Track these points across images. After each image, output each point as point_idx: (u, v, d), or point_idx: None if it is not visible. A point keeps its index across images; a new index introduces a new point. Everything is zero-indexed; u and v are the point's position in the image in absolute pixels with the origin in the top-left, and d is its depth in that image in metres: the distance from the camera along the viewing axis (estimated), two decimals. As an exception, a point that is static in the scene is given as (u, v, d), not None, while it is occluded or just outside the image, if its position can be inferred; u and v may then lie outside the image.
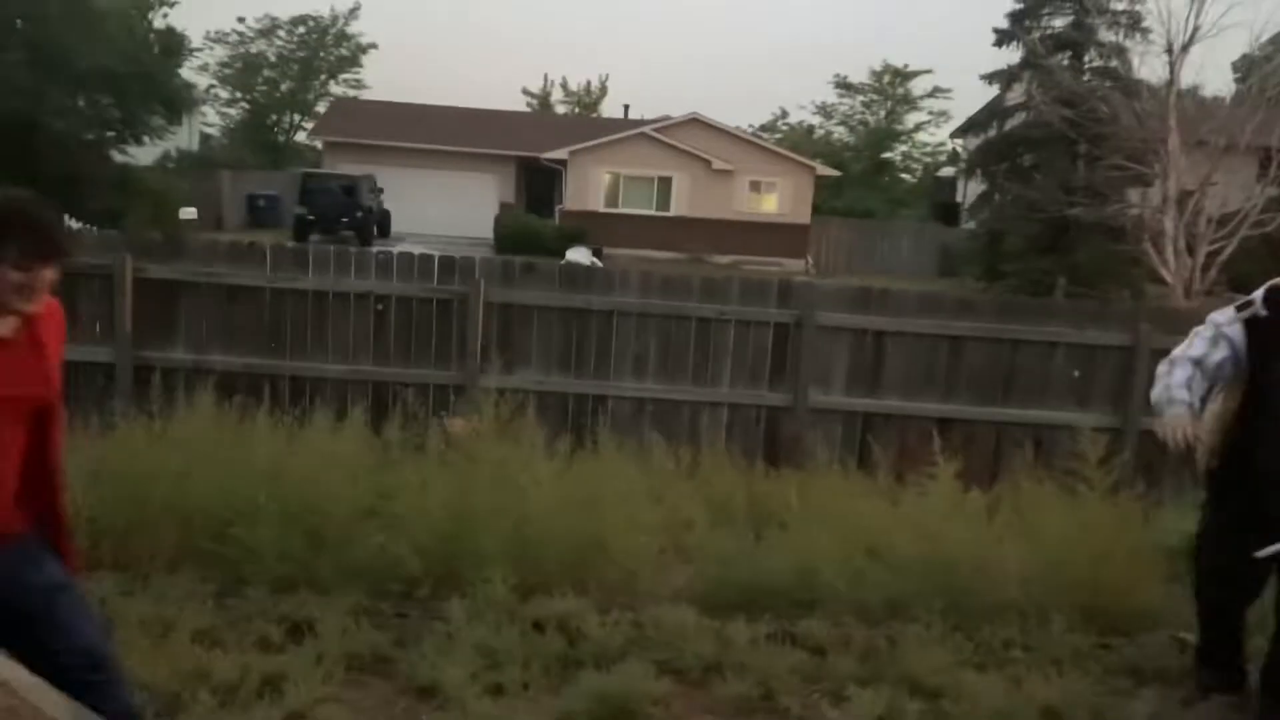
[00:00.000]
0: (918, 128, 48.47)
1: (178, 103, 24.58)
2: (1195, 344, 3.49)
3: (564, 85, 53.90)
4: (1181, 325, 7.11)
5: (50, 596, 2.43)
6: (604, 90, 53.62)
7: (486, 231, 30.47)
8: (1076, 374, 7.05)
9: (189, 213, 23.41)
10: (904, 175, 48.62)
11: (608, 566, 4.28)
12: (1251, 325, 3.37)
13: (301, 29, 48.04)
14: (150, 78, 22.33)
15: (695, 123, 31.37)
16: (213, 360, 6.76)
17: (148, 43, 23.01)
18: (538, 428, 5.18)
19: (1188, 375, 3.41)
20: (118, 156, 23.18)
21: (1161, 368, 3.53)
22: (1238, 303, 3.48)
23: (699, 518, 5.02)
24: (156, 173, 26.06)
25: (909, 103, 47.90)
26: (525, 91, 53.88)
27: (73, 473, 4.20)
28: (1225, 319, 3.45)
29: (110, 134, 22.70)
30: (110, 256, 6.69)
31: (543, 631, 3.80)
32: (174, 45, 24.38)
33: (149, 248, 6.95)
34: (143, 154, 25.06)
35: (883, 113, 48.44)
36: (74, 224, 15.47)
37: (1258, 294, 3.41)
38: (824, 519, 4.82)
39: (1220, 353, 3.42)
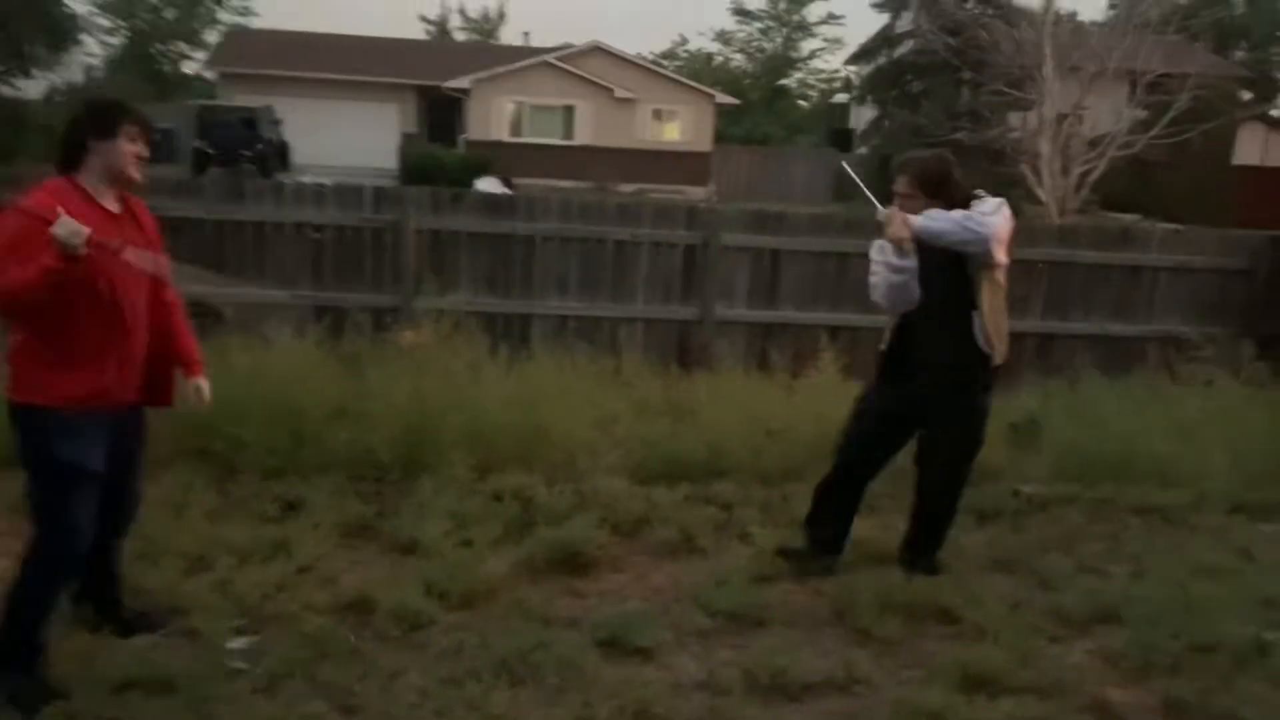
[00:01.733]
0: (813, 55, 49.38)
1: (64, 33, 23.78)
2: (872, 260, 4.03)
3: (462, 12, 53.26)
4: (1038, 238, 8.20)
5: (133, 464, 3.30)
6: (502, 17, 53.07)
7: (390, 162, 30.37)
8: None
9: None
10: (800, 102, 49.56)
11: (551, 450, 5.03)
12: None
13: (185, -48, 46.11)
14: (35, 5, 21.58)
15: (597, 51, 31.58)
16: (160, 289, 7.19)
17: (29, -31, 22.14)
18: (477, 341, 5.88)
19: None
20: (6, 91, 22.44)
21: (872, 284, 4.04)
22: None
23: (623, 412, 5.80)
24: (44, 107, 25.22)
25: (805, 29, 48.65)
26: (423, 19, 53.20)
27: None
28: (875, 245, 4.00)
29: (-3, 67, 21.96)
30: (55, 192, 7.03)
31: (500, 500, 4.56)
32: (59, -28, 23.52)
33: (92, 184, 7.29)
34: (30, 87, 24.24)
35: (779, 40, 49.10)
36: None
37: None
38: (730, 409, 5.65)
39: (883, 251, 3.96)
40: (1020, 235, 8.00)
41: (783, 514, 4.61)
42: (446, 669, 3.25)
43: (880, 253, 3.90)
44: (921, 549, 4.12)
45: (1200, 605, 3.80)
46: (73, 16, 25.44)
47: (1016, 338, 7.87)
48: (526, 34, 43.55)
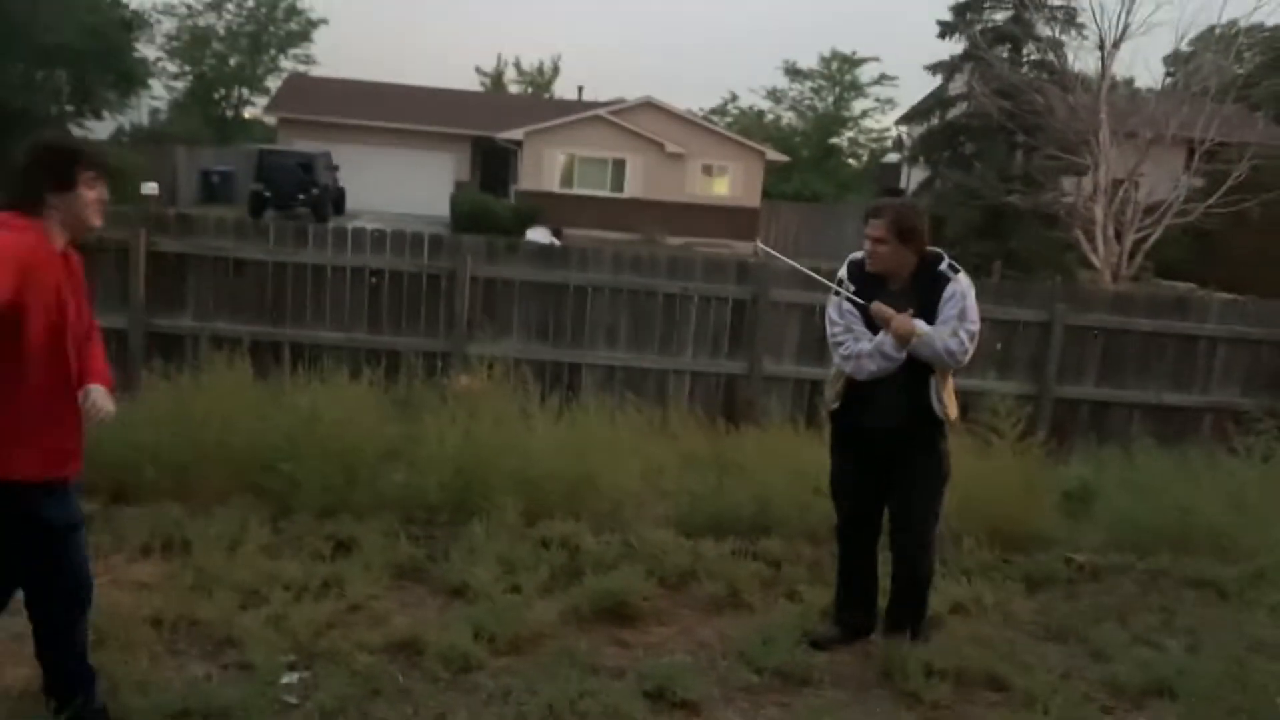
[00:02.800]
0: (864, 114, 49.73)
1: (134, 78, 24.67)
2: (833, 321, 3.96)
3: (517, 65, 54.25)
4: (1093, 304, 8.16)
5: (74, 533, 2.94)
6: (556, 71, 54.10)
7: (442, 210, 30.91)
8: (999, 346, 7.94)
9: (151, 188, 23.56)
10: (850, 160, 49.81)
11: (598, 499, 5.06)
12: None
13: (250, 2, 47.74)
14: (108, 53, 22.45)
15: (649, 106, 32.05)
16: (219, 328, 7.38)
17: (107, 18, 23.07)
18: (527, 387, 5.95)
19: (847, 337, 3.89)
20: (76, 131, 23.27)
21: (840, 354, 3.94)
22: (836, 279, 3.98)
23: (670, 464, 5.82)
24: (113, 147, 26.12)
25: (856, 89, 49.03)
26: (479, 71, 54.14)
27: (132, 419, 4.90)
28: (833, 301, 3.98)
29: (69, 108, 22.79)
30: (126, 231, 7.27)
31: (548, 547, 4.58)
32: (132, 21, 24.46)
33: (161, 223, 7.54)
34: (99, 128, 25.12)
35: (831, 99, 49.52)
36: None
37: (842, 270, 3.98)
38: (777, 465, 5.64)
39: (847, 317, 3.90)
40: (1077, 301, 8.11)
41: (831, 572, 4.57)
42: (494, 713, 3.27)
43: (858, 337, 3.86)
44: (904, 618, 3.96)
45: (1257, 682, 3.71)
46: (142, 61, 26.48)
47: (1071, 404, 7.97)
48: (580, 88, 44.50)
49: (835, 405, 4.05)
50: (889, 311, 3.76)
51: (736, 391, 7.94)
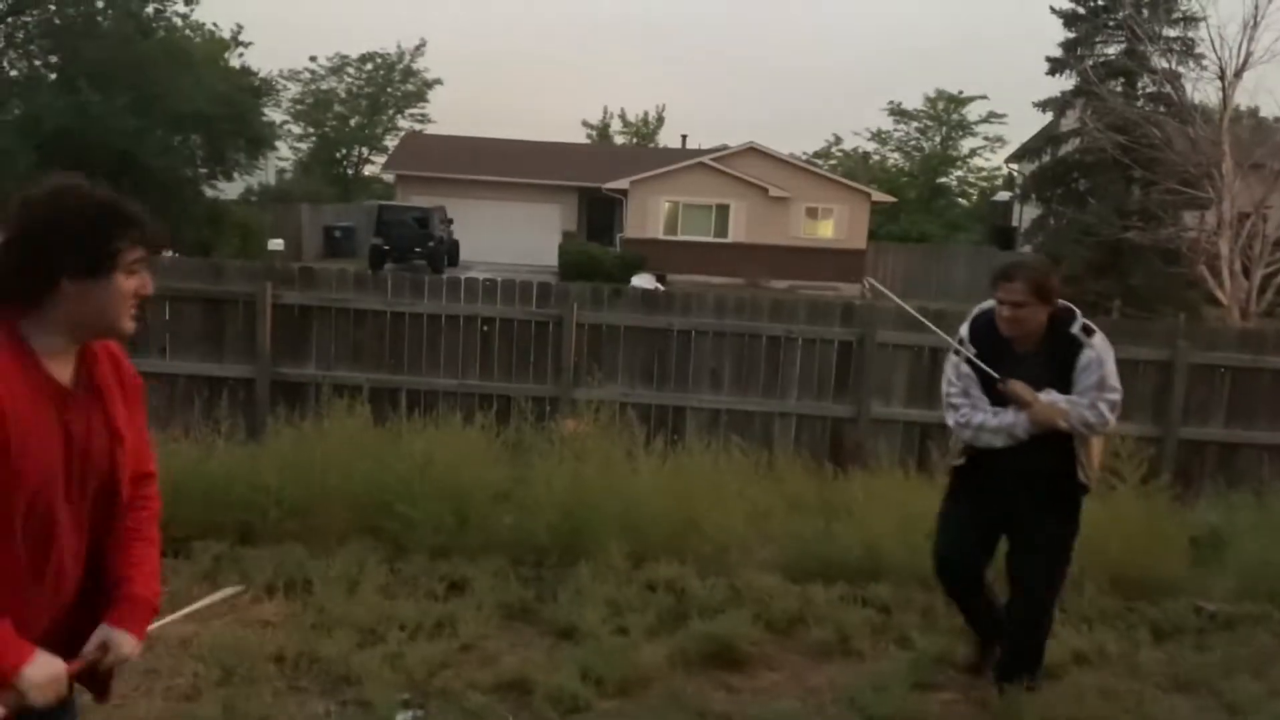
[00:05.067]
0: (973, 153, 48.85)
1: (262, 141, 26.04)
2: (950, 382, 3.78)
3: (622, 116, 55.31)
4: (1217, 342, 7.83)
5: None
6: (661, 120, 54.91)
7: (550, 259, 31.54)
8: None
9: (277, 244, 24.82)
10: (959, 200, 48.95)
11: (703, 543, 5.06)
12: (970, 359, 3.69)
13: (370, 66, 49.99)
14: (238, 118, 23.78)
15: (752, 151, 32.23)
16: (340, 375, 7.68)
17: (236, 85, 24.50)
18: (633, 431, 6.01)
19: (964, 401, 3.71)
20: (208, 191, 24.67)
21: (955, 418, 3.75)
22: (956, 338, 3.76)
23: (776, 507, 5.79)
24: (242, 206, 27.60)
25: (964, 128, 48.31)
26: (585, 124, 55.38)
27: (258, 464, 5.14)
28: (952, 360, 3.79)
29: (202, 171, 24.18)
30: (253, 284, 7.67)
31: (654, 590, 4.61)
32: (260, 88, 25.92)
33: (286, 276, 7.92)
34: (229, 188, 26.57)
35: (938, 138, 48.90)
36: (172, 254, 16.68)
37: (964, 328, 3.76)
38: (886, 509, 5.54)
39: (965, 380, 3.71)
40: (1200, 338, 7.79)
41: (944, 619, 4.47)
42: (602, 755, 3.29)
43: (994, 416, 3.63)
44: (1018, 671, 3.77)
45: None
46: (270, 124, 27.91)
47: (1196, 446, 7.62)
48: (684, 136, 45.03)
49: (960, 461, 3.88)
50: (1029, 395, 3.51)
51: (844, 435, 7.85)
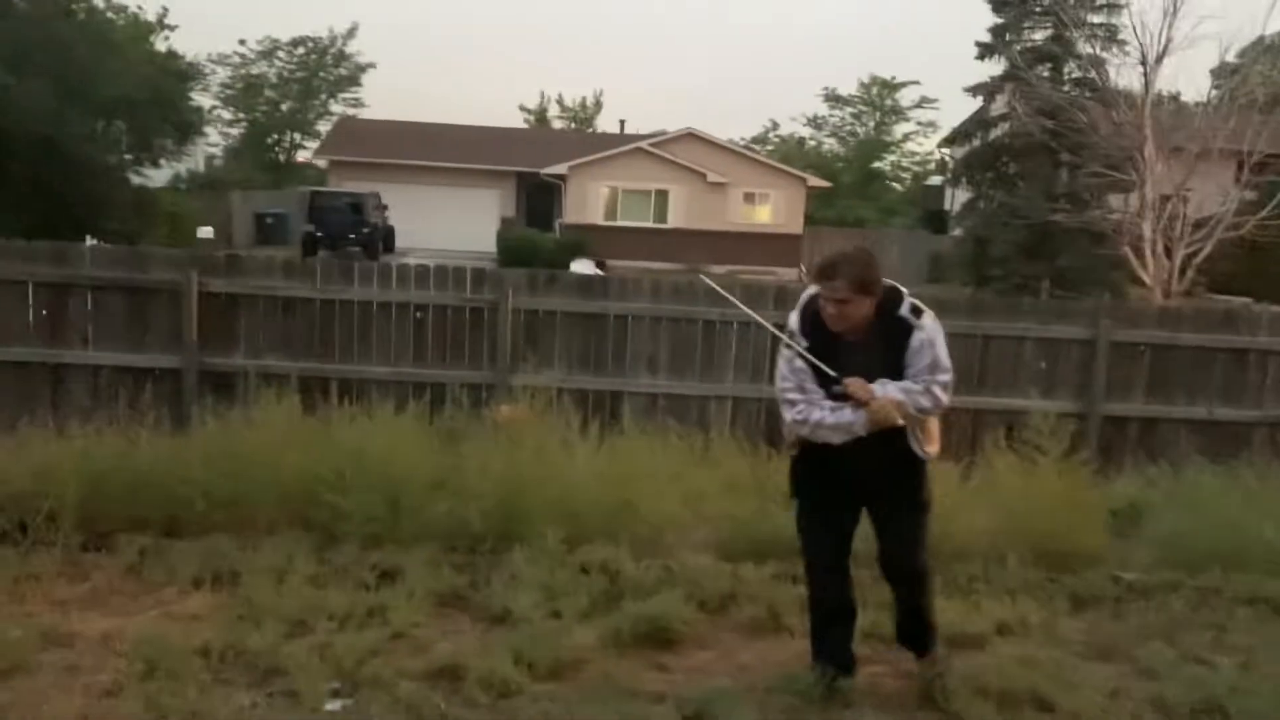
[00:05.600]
0: (906, 138, 49.59)
1: (190, 127, 25.42)
2: (784, 376, 3.68)
3: (560, 101, 54.99)
4: (1138, 320, 8.05)
5: None
6: (599, 106, 54.74)
7: (489, 246, 31.32)
8: (1043, 365, 7.86)
9: (206, 231, 24.27)
10: (893, 184, 49.63)
11: (638, 525, 5.09)
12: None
13: (301, 50, 49.03)
14: (165, 103, 23.18)
15: (690, 137, 32.31)
16: (269, 365, 7.53)
17: (162, 69, 23.86)
18: (569, 417, 6.01)
19: (800, 397, 3.61)
20: (134, 179, 24.01)
21: (792, 414, 3.65)
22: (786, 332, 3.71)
23: (711, 490, 5.83)
24: (170, 194, 26.92)
25: (897, 113, 48.98)
26: (523, 108, 55.02)
27: (185, 455, 5.05)
28: (785, 354, 3.71)
29: (127, 157, 23.53)
30: (179, 273, 7.49)
31: (589, 573, 4.63)
32: (188, 72, 25.28)
33: (212, 264, 7.75)
34: (157, 175, 25.90)
35: (872, 124, 49.48)
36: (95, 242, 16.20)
37: (793, 319, 3.70)
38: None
39: (799, 374, 3.62)
40: (1122, 317, 8.00)
41: (873, 595, 4.54)
42: (534, 738, 3.30)
43: (832, 413, 3.53)
44: (919, 641, 3.82)
45: (1315, 702, 3.63)
46: (198, 110, 27.26)
47: (1118, 422, 7.84)
48: (622, 121, 44.84)
49: (794, 452, 3.79)
50: (868, 392, 3.44)
51: (779, 416, 7.92)
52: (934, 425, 3.71)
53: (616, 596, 4.42)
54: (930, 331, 3.55)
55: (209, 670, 3.65)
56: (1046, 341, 7.88)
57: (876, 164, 48.99)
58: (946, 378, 3.55)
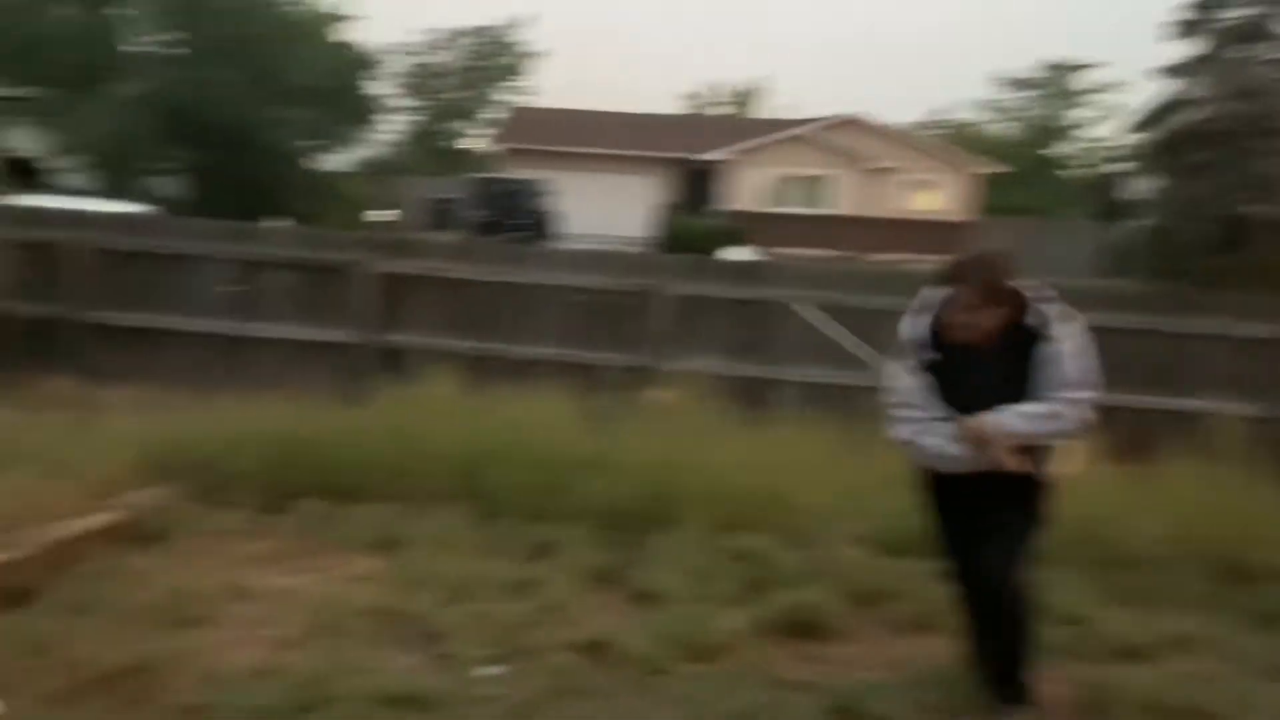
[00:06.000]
0: (1084, 123, 46.97)
1: (368, 114, 26.65)
2: (894, 391, 3.51)
3: (722, 87, 54.77)
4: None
5: None
6: (761, 92, 54.23)
7: (648, 232, 31.54)
8: (1220, 364, 7.34)
9: (381, 215, 25.48)
10: (1069, 171, 47.19)
11: (791, 514, 5.05)
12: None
13: (475, 39, 50.53)
14: (347, 92, 24.37)
15: (853, 122, 31.64)
16: (437, 343, 7.86)
17: (344, 58, 25.11)
18: (722, 403, 6.02)
19: (910, 414, 3.45)
20: (315, 164, 25.39)
21: (897, 434, 3.52)
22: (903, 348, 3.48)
23: (869, 483, 5.71)
24: (349, 178, 28.36)
25: (1075, 97, 46.47)
26: (684, 95, 55.04)
27: (358, 426, 5.31)
28: (895, 365, 3.54)
29: (310, 143, 24.90)
30: (356, 254, 7.90)
31: (738, 560, 4.63)
32: (368, 61, 26.51)
33: (387, 246, 8.14)
34: (335, 161, 27.31)
35: (1048, 108, 47.16)
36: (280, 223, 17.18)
37: (910, 326, 3.49)
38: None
39: (909, 393, 3.46)
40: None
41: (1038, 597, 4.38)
42: (679, 716, 3.34)
43: (943, 443, 3.34)
44: (1009, 672, 3.42)
45: None
46: (377, 98, 28.50)
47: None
48: (784, 107, 44.32)
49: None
50: (984, 433, 3.22)
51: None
52: (1074, 445, 3.41)
53: (765, 584, 4.41)
54: (1063, 341, 3.23)
55: (376, 630, 3.85)
56: (1230, 340, 7.37)
57: (1051, 150, 46.70)
58: (1080, 395, 3.22)
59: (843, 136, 31.27)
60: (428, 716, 3.24)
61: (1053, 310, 3.27)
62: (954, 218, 31.04)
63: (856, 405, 7.66)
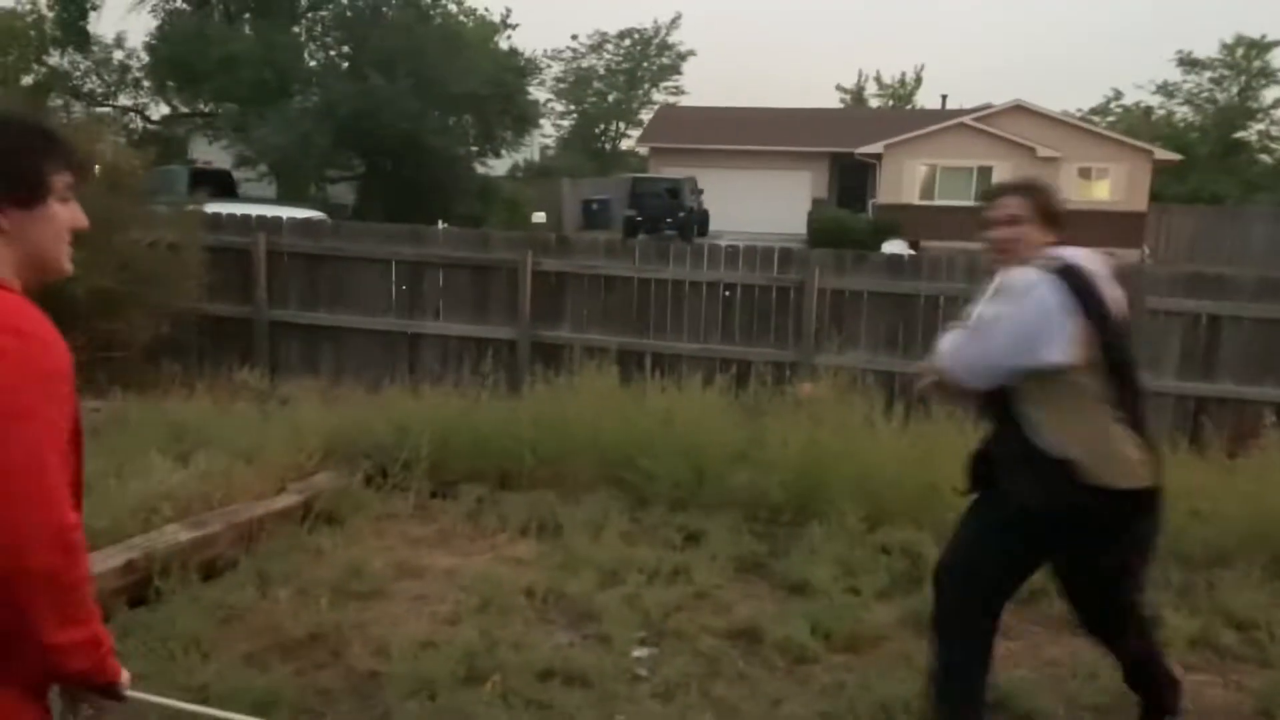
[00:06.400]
0: (1277, 104, 43.63)
1: (528, 119, 27.44)
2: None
3: (878, 79, 53.68)
4: None
5: None
6: (919, 81, 52.84)
7: (799, 227, 31.27)
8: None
9: (539, 217, 26.18)
10: (1261, 156, 43.95)
11: (942, 508, 4.95)
12: None
13: (627, 42, 51.28)
14: (507, 98, 25.18)
15: (1018, 109, 30.45)
16: (592, 338, 8.08)
17: (504, 66, 25.94)
18: (872, 397, 5.97)
19: None
20: (478, 168, 26.33)
21: None
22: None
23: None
24: (508, 181, 29.29)
25: (1267, 76, 43.23)
26: (839, 88, 54.25)
27: (517, 416, 5.53)
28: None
29: (474, 149, 25.84)
30: (516, 253, 8.20)
31: (889, 553, 4.61)
32: (526, 68, 27.30)
33: (544, 245, 8.41)
34: (497, 165, 28.22)
35: (1235, 89, 44.05)
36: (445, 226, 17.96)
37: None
38: (1148, 484, 5.21)
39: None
40: None
41: (1202, 600, 4.20)
42: (827, 704, 3.37)
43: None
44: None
45: None
46: (535, 103, 29.31)
47: None
48: (944, 97, 43.12)
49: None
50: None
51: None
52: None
53: (917, 578, 4.37)
54: (1014, 282, 2.76)
55: (533, 609, 4.04)
56: None
57: (1240, 134, 43.61)
58: (967, 340, 2.88)
59: (1008, 124, 30.14)
60: (582, 691, 3.39)
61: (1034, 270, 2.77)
62: (1128, 207, 29.44)
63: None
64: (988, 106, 32.30)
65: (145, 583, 3.80)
